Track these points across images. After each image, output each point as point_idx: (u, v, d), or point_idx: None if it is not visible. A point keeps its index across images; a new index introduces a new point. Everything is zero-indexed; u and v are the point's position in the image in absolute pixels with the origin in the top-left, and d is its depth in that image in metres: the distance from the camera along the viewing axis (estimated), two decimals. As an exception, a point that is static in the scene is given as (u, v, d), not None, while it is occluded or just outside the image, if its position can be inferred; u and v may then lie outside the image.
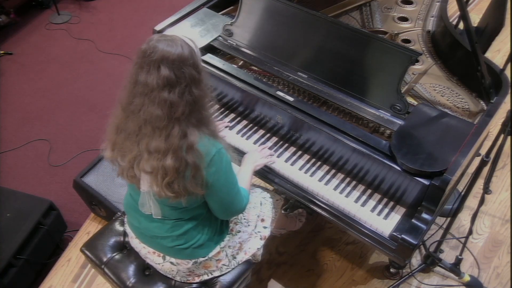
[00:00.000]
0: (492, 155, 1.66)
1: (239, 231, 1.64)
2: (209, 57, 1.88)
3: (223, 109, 1.92)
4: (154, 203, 1.43)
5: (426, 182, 1.46)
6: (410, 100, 1.77)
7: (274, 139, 1.82)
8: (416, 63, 1.91)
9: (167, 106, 1.23)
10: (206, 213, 1.50)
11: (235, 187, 1.45)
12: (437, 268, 2.15)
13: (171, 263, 1.54)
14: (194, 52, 1.26)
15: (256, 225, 1.69)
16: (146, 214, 1.49)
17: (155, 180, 1.31)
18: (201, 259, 1.53)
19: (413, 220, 1.51)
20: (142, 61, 1.23)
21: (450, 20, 1.94)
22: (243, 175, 1.62)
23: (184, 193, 1.32)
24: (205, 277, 1.59)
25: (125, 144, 1.32)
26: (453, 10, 2.07)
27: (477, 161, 1.72)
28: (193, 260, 1.53)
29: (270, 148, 1.78)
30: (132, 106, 1.27)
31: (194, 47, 1.29)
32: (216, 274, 1.60)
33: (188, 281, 1.60)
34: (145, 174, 1.33)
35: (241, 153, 1.74)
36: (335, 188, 1.66)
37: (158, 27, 1.94)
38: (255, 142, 1.81)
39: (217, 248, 1.56)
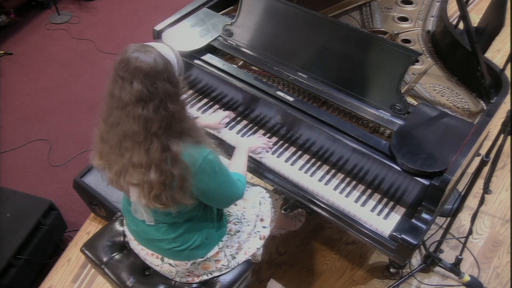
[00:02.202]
0: (492, 155, 1.66)
1: (238, 231, 1.64)
2: (209, 57, 1.88)
3: (223, 109, 1.92)
4: (146, 210, 1.43)
5: (426, 182, 1.46)
6: (410, 100, 1.77)
7: (274, 139, 1.81)
8: (416, 63, 1.91)
9: (142, 122, 1.18)
10: (202, 214, 1.49)
11: (229, 182, 1.43)
12: (437, 268, 2.15)
13: (170, 264, 1.54)
14: (169, 64, 1.20)
15: (255, 225, 1.69)
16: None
17: (142, 192, 1.29)
18: (200, 259, 1.53)
19: (413, 220, 1.51)
20: (117, 74, 1.19)
21: (450, 20, 1.94)
22: (238, 160, 1.61)
23: (173, 204, 1.30)
24: (205, 277, 1.59)
25: (110, 156, 1.30)
26: (453, 10, 2.07)
27: (477, 161, 1.71)
28: (191, 261, 1.52)
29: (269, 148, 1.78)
30: (111, 119, 1.24)
31: (173, 56, 1.23)
32: (215, 274, 1.59)
33: (187, 282, 1.59)
34: (132, 186, 1.32)
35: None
36: (335, 188, 1.66)
37: (158, 27, 1.93)
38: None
39: (216, 249, 1.56)
